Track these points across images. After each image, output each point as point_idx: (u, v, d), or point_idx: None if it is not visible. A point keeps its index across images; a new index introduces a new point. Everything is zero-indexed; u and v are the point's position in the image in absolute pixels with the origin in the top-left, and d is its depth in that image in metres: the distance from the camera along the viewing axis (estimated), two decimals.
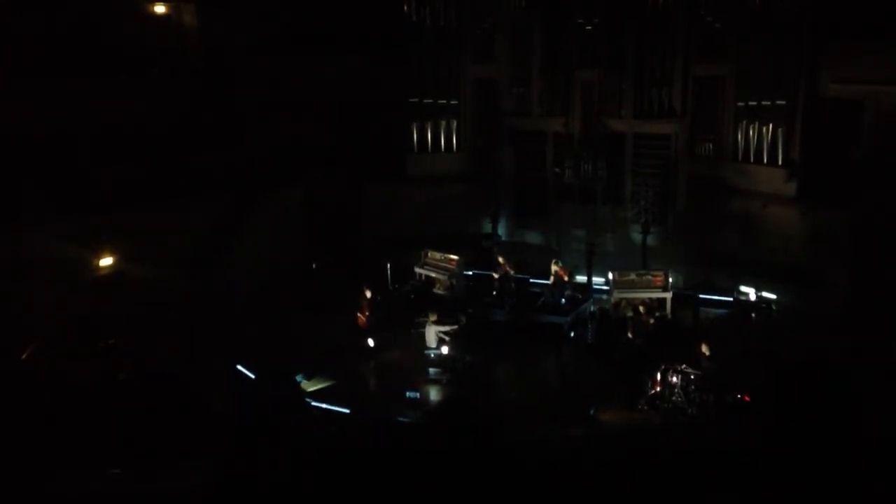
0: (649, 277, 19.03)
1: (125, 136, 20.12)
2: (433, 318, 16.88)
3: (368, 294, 18.21)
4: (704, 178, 20.88)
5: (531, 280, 20.40)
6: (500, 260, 19.98)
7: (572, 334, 18.15)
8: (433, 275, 20.61)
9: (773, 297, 18.45)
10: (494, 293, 19.70)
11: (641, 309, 17.77)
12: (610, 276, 19.18)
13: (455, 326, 16.90)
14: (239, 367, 16.38)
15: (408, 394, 15.54)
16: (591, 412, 14.73)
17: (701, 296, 18.95)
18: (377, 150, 22.73)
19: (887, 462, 4.14)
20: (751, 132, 20.05)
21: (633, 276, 19.10)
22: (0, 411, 13.46)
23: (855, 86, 18.87)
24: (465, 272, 20.78)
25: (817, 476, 3.83)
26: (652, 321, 17.45)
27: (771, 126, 19.65)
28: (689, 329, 18.08)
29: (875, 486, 3.88)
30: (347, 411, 14.98)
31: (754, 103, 19.84)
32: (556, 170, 21.44)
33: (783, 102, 19.40)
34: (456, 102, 22.93)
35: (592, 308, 19.01)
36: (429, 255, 20.94)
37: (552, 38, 21.24)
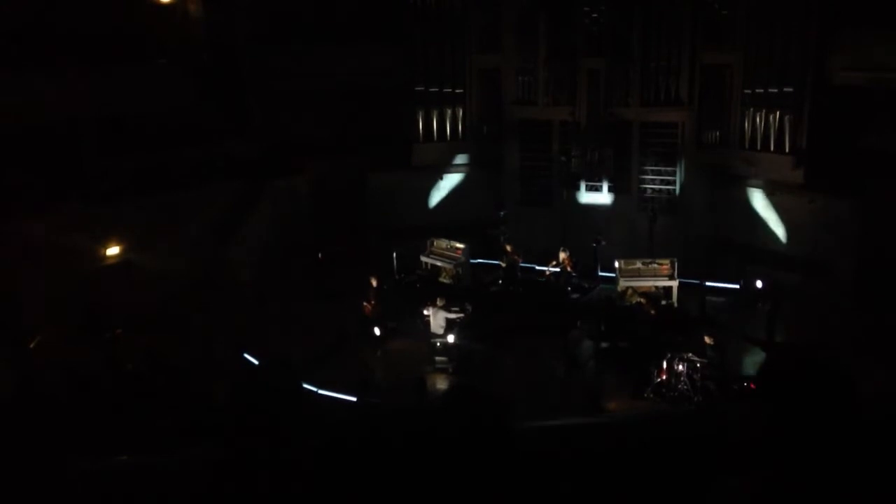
0: (656, 266, 18.98)
1: (130, 126, 20.15)
2: (441, 302, 16.89)
3: (374, 283, 18.22)
4: (711, 166, 20.82)
5: (537, 268, 20.38)
6: (508, 248, 19.97)
7: (579, 323, 18.13)
8: (439, 263, 20.61)
9: (781, 280, 18.38)
10: (500, 281, 19.71)
11: (643, 300, 17.75)
12: (616, 264, 19.14)
13: (462, 315, 16.90)
14: (245, 355, 16.43)
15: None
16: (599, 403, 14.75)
17: (707, 284, 18.90)
18: (383, 139, 22.71)
19: (887, 450, 4.12)
20: (758, 120, 19.94)
21: (639, 265, 19.05)
22: (7, 401, 13.54)
23: (863, 73, 18.75)
24: (472, 260, 20.77)
25: (820, 463, 3.81)
26: (653, 312, 17.42)
27: (778, 114, 19.55)
28: (696, 317, 18.06)
29: (875, 473, 3.86)
30: (354, 399, 15.01)
31: (761, 91, 19.72)
32: (563, 158, 21.40)
33: (791, 90, 19.29)
34: (461, 91, 22.87)
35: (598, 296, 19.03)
36: (435, 243, 20.94)
37: (558, 27, 21.16)
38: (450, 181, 23.13)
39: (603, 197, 21.56)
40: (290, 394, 4.24)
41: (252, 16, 22.66)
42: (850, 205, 18.33)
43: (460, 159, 23.22)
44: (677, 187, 20.96)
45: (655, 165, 21.01)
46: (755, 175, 20.24)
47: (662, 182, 20.81)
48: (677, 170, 20.93)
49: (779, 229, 19.93)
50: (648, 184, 20.59)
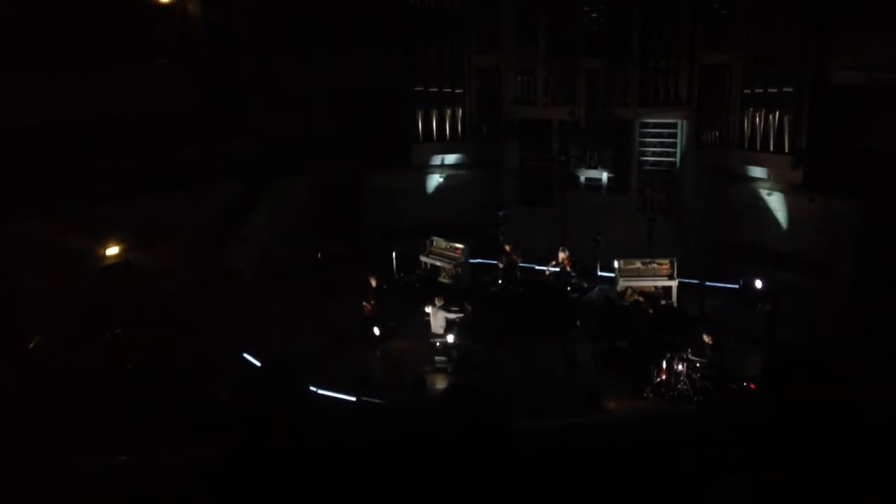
0: (655, 266, 19.00)
1: (130, 126, 20.16)
2: (440, 302, 16.90)
3: (374, 283, 18.23)
4: (711, 166, 20.82)
5: (537, 268, 20.39)
6: (507, 248, 19.97)
7: (578, 323, 18.14)
8: (438, 263, 20.61)
9: (781, 280, 18.40)
10: (500, 281, 19.71)
11: (640, 298, 17.77)
12: (615, 264, 19.15)
13: (461, 315, 16.91)
14: (245, 355, 16.44)
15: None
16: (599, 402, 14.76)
17: (707, 284, 18.90)
18: (383, 139, 22.71)
19: (887, 450, 4.13)
20: (757, 120, 19.94)
21: (638, 265, 19.05)
22: (7, 400, 13.53)
23: (863, 73, 18.75)
24: (471, 260, 20.78)
25: (820, 463, 3.82)
26: (652, 311, 17.44)
27: (778, 113, 19.55)
28: (695, 317, 18.07)
29: (875, 473, 3.87)
30: (354, 399, 15.02)
31: (761, 91, 19.73)
32: (562, 158, 21.40)
33: (790, 90, 19.29)
34: (461, 91, 22.85)
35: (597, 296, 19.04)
36: (434, 243, 20.95)
37: (557, 26, 21.16)
38: (449, 181, 23.11)
39: (602, 196, 21.53)
40: (297, 395, 4.24)
41: (252, 16, 22.66)
42: (850, 205, 18.33)
43: (459, 159, 23.22)
44: (677, 187, 20.94)
45: (655, 166, 21.00)
46: (754, 174, 20.29)
47: (662, 181, 20.78)
48: (677, 169, 20.92)
49: (778, 229, 19.93)
50: (648, 183, 20.57)
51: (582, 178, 21.52)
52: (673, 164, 20.87)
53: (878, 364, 13.97)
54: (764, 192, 20.12)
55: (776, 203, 19.96)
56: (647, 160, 21.08)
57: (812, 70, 19.42)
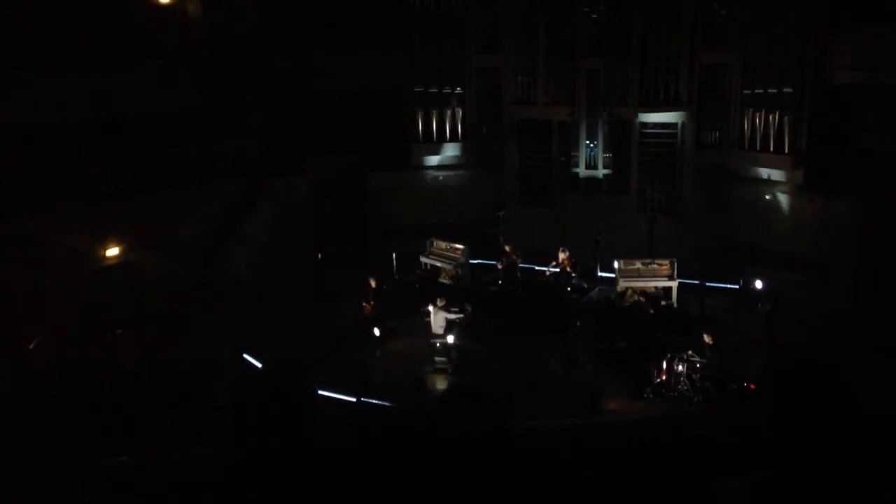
0: (655, 266, 18.98)
1: (130, 126, 20.17)
2: (441, 303, 16.89)
3: (374, 283, 18.21)
4: (711, 166, 20.82)
5: (537, 268, 20.37)
6: (507, 248, 19.95)
7: (578, 323, 18.13)
8: (438, 264, 20.60)
9: (781, 280, 18.40)
10: (500, 282, 19.70)
11: (641, 298, 17.77)
12: (615, 264, 19.13)
13: (461, 315, 16.90)
14: (245, 355, 16.43)
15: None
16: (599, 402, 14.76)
17: (707, 284, 18.89)
18: (383, 139, 22.70)
19: (887, 450, 4.13)
20: (757, 120, 19.96)
21: (638, 265, 19.04)
22: (7, 400, 13.54)
23: (863, 73, 18.77)
24: (471, 261, 20.77)
25: (820, 463, 3.82)
26: (652, 311, 17.43)
27: (778, 114, 19.56)
28: (695, 317, 18.06)
29: (875, 473, 3.87)
30: (354, 399, 15.00)
31: (761, 91, 19.74)
32: (562, 158, 21.39)
33: (790, 90, 19.31)
34: (461, 91, 22.86)
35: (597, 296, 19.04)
36: (434, 244, 20.93)
37: (557, 26, 21.16)
38: (449, 181, 23.12)
39: (602, 196, 21.53)
40: (302, 396, 4.23)
41: (252, 16, 22.66)
42: (850, 205, 18.33)
43: (459, 159, 23.21)
44: (677, 187, 20.94)
45: (654, 166, 20.99)
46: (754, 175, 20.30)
47: (662, 182, 20.79)
48: (676, 169, 20.92)
49: (778, 229, 19.92)
50: (648, 183, 20.58)
51: (581, 178, 21.53)
52: (673, 164, 20.85)
53: (878, 364, 13.95)
54: (764, 192, 20.13)
55: (776, 203, 19.97)
56: (647, 160, 21.07)
57: (812, 70, 19.44)
